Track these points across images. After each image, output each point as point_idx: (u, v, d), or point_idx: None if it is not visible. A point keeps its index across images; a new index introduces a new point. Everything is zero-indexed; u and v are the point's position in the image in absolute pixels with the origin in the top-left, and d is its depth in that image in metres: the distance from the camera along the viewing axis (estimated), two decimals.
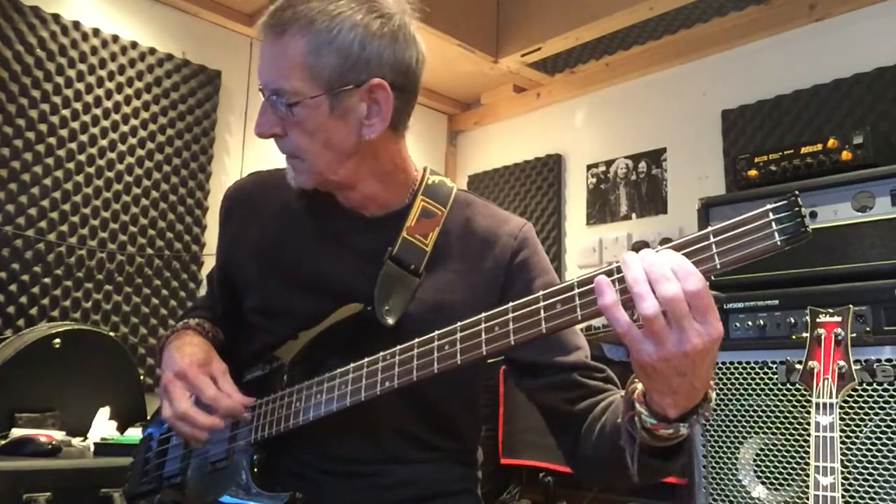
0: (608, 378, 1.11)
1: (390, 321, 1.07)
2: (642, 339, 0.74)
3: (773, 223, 0.68)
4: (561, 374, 1.09)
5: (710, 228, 0.71)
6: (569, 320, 0.79)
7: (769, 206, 0.68)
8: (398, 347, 0.96)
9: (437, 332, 0.92)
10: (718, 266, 0.71)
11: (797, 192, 0.67)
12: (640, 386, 0.84)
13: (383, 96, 1.05)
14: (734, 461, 1.88)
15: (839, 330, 1.59)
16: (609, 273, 0.76)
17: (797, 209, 0.67)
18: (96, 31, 2.62)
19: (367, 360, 0.99)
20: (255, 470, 1.08)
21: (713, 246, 0.71)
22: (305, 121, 1.04)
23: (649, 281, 0.72)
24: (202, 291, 2.71)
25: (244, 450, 1.10)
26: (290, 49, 1.02)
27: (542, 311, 0.81)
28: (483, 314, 0.88)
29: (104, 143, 2.59)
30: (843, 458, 1.63)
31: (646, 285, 0.72)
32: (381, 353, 0.98)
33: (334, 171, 1.09)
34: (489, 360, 0.91)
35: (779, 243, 0.68)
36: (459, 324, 0.90)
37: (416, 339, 0.94)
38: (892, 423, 1.63)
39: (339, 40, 1.02)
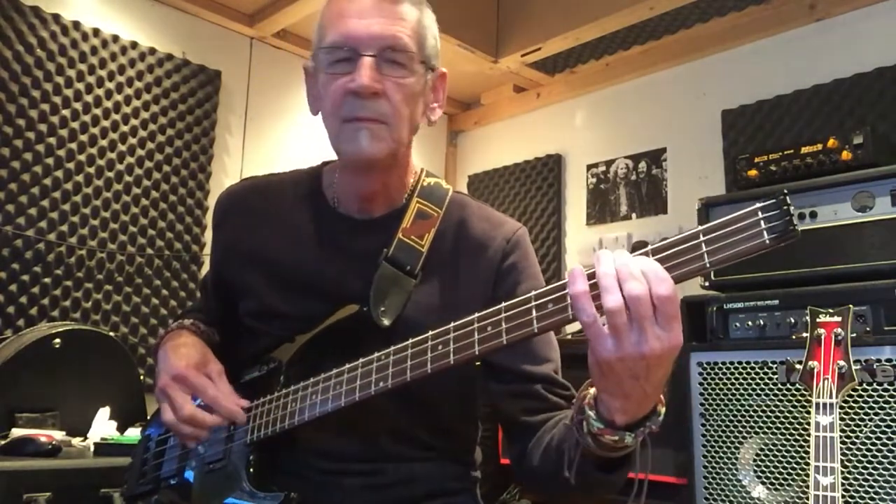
0: (571, 397, 1.10)
1: (386, 322, 1.07)
2: (604, 335, 0.75)
3: (762, 222, 0.68)
4: (525, 383, 1.09)
5: (699, 227, 0.71)
6: (560, 320, 0.79)
7: (758, 205, 0.68)
8: (392, 348, 0.96)
9: (430, 333, 0.92)
10: (708, 265, 0.71)
11: (786, 191, 0.67)
12: (592, 391, 0.84)
13: (445, 87, 1.18)
14: (734, 461, 1.87)
15: (839, 330, 1.59)
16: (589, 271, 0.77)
17: (786, 208, 0.67)
18: (96, 31, 2.62)
19: (361, 360, 1.00)
20: (252, 470, 1.08)
21: (702, 245, 0.71)
22: (410, 85, 1.08)
23: (618, 278, 0.73)
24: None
25: (241, 450, 1.10)
26: (408, 14, 1.09)
27: (533, 311, 0.81)
28: (476, 314, 0.88)
29: (104, 143, 2.59)
30: (843, 458, 1.62)
31: (613, 279, 0.73)
32: (376, 354, 0.98)
33: (404, 146, 1.12)
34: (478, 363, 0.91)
35: (767, 242, 0.68)
36: (453, 324, 0.90)
37: (410, 340, 0.94)
38: (892, 423, 1.63)
39: (435, 28, 1.14)
